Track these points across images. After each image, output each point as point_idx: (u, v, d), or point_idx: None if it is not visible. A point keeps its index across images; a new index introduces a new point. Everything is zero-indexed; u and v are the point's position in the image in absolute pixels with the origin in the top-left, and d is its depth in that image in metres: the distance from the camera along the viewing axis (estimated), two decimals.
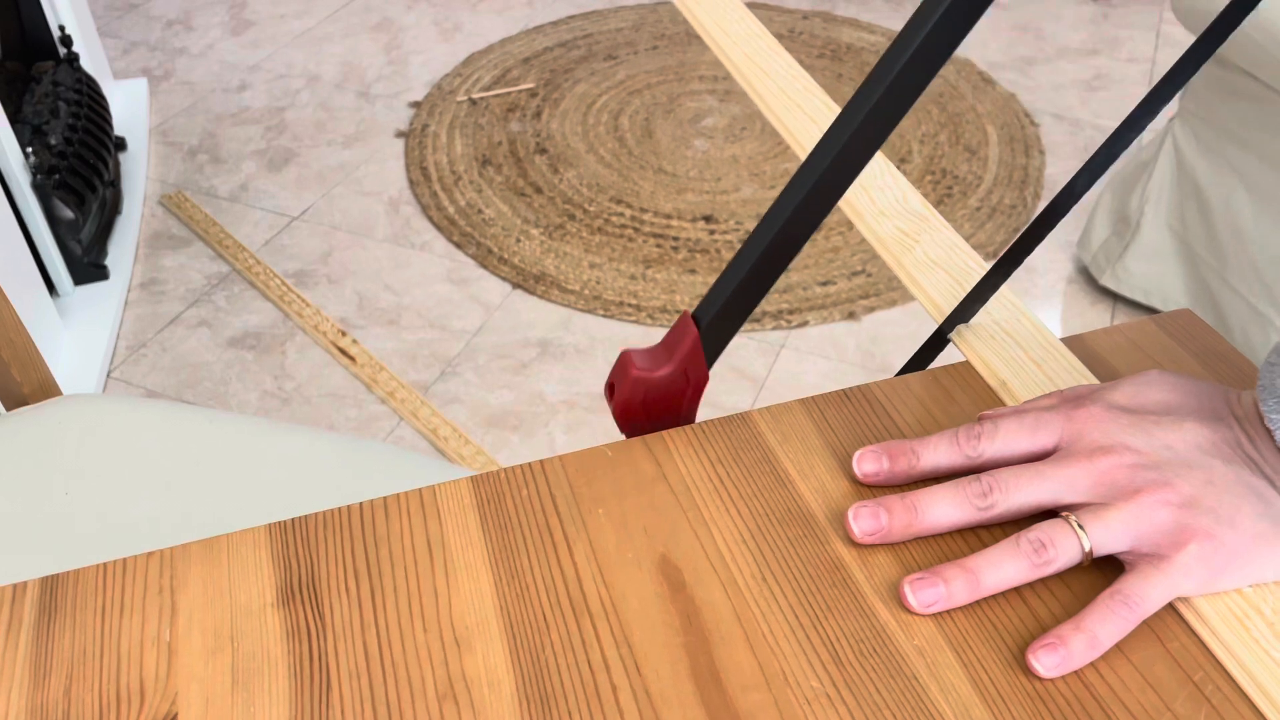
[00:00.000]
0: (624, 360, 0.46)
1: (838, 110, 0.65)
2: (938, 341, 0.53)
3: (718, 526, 0.43)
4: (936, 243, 0.57)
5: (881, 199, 0.60)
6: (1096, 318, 1.63)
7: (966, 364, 0.51)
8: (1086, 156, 1.99)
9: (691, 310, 0.46)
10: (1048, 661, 0.37)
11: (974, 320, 0.52)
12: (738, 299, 0.45)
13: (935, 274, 0.55)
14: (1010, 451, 0.43)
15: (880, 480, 0.44)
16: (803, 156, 0.62)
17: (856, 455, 0.44)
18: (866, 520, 0.42)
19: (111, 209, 1.81)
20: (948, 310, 0.53)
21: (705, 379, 0.47)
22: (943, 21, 0.40)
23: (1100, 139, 2.05)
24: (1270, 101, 1.32)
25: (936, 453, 0.43)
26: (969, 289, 0.52)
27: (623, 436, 0.47)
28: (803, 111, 0.66)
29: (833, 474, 0.45)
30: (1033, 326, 0.52)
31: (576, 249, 1.79)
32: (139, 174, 1.96)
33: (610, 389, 0.47)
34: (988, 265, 0.54)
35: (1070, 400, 0.44)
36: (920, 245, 0.57)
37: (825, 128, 0.64)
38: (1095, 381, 0.48)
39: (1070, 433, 0.42)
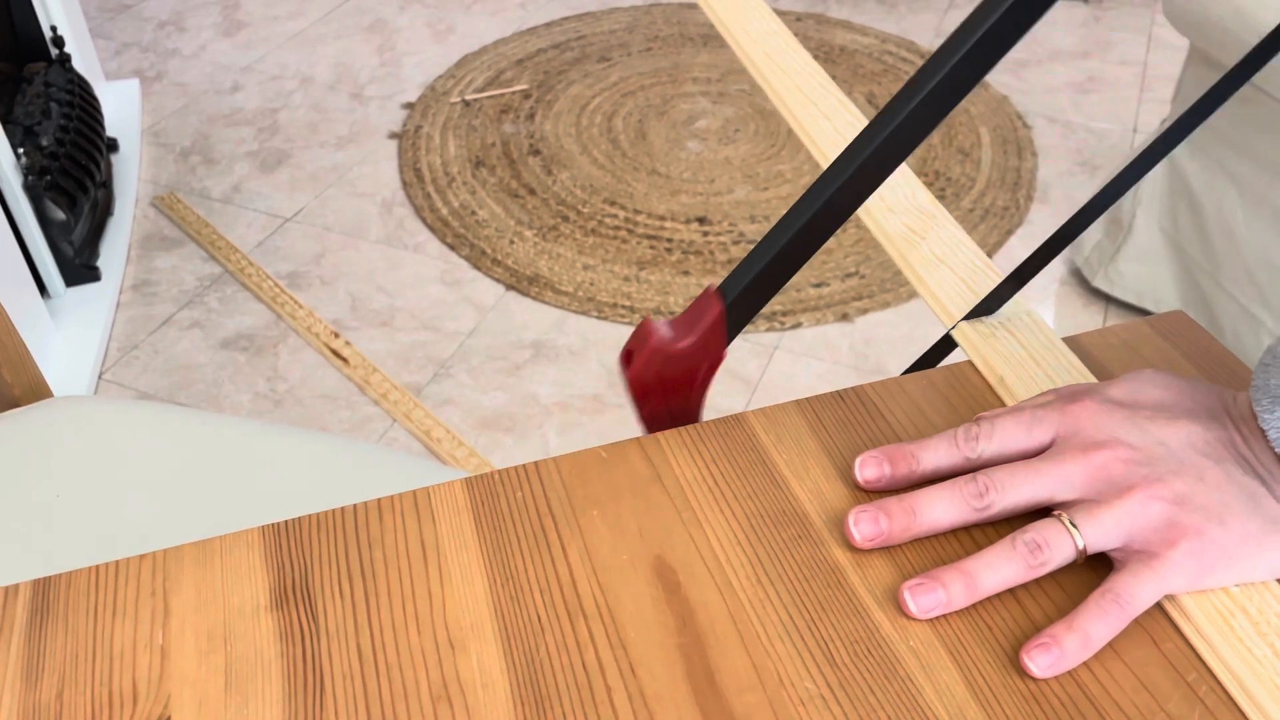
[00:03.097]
0: (645, 328, 0.45)
1: (852, 107, 0.66)
2: (946, 344, 0.53)
3: (712, 528, 0.43)
4: (943, 240, 0.57)
5: (890, 195, 0.60)
6: (1089, 319, 1.64)
7: (961, 365, 0.51)
8: (1079, 159, 2.00)
9: (716, 285, 0.46)
10: (1041, 661, 0.37)
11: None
12: (764, 279, 0.45)
13: (940, 271, 0.55)
14: (1008, 450, 0.43)
15: (882, 486, 0.44)
16: (817, 153, 0.62)
17: (858, 462, 0.44)
18: (866, 525, 0.42)
19: (103, 210, 1.81)
20: (951, 307, 0.53)
21: (722, 357, 0.46)
22: (999, 24, 0.40)
23: (1093, 141, 2.05)
24: (1261, 104, 1.33)
25: (936, 455, 0.43)
26: (973, 285, 0.52)
27: (615, 435, 0.47)
28: (817, 109, 0.66)
29: (827, 475, 0.45)
30: (1032, 323, 0.52)
31: (570, 251, 1.79)
32: (131, 175, 1.95)
33: (627, 356, 0.46)
34: (991, 263, 0.54)
35: (1066, 396, 0.44)
36: (926, 242, 0.57)
37: (840, 125, 0.64)
38: (1093, 379, 0.48)
39: (1066, 427, 0.42)
